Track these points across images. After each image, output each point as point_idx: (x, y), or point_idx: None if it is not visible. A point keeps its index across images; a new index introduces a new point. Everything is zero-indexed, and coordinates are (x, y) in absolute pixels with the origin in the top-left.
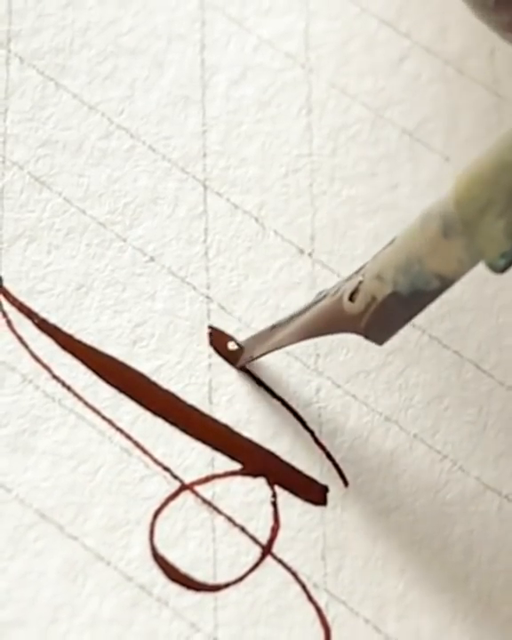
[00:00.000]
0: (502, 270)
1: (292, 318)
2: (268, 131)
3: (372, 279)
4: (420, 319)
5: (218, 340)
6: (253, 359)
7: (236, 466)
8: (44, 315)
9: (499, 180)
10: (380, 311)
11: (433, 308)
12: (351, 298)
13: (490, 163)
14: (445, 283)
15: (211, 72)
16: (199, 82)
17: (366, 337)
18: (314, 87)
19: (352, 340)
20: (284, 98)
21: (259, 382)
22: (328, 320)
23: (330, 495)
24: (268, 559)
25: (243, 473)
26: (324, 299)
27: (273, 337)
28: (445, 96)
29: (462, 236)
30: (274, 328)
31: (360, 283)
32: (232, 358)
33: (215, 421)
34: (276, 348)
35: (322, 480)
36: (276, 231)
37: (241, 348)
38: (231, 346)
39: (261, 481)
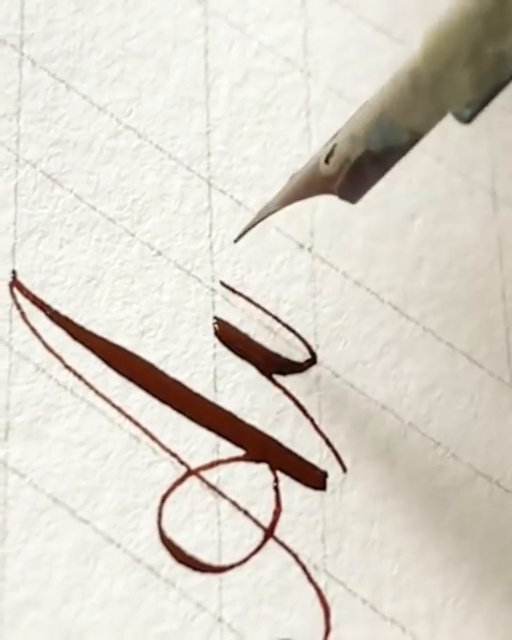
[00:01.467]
0: (468, 120)
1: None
2: (269, 131)
3: (345, 140)
4: (414, 312)
5: (223, 330)
6: (248, 229)
7: (240, 452)
8: (56, 307)
9: (463, 31)
10: (353, 171)
11: (426, 302)
12: (326, 161)
13: (455, 16)
14: (415, 136)
15: (214, 75)
16: (203, 84)
17: (340, 197)
18: (312, 90)
19: (350, 331)
20: (283, 100)
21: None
22: (306, 184)
23: (329, 480)
24: (271, 542)
25: (246, 459)
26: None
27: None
28: None
29: (430, 89)
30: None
31: (334, 146)
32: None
33: (220, 409)
34: (266, 215)
35: (321, 466)
36: (278, 227)
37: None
38: None
39: (264, 466)
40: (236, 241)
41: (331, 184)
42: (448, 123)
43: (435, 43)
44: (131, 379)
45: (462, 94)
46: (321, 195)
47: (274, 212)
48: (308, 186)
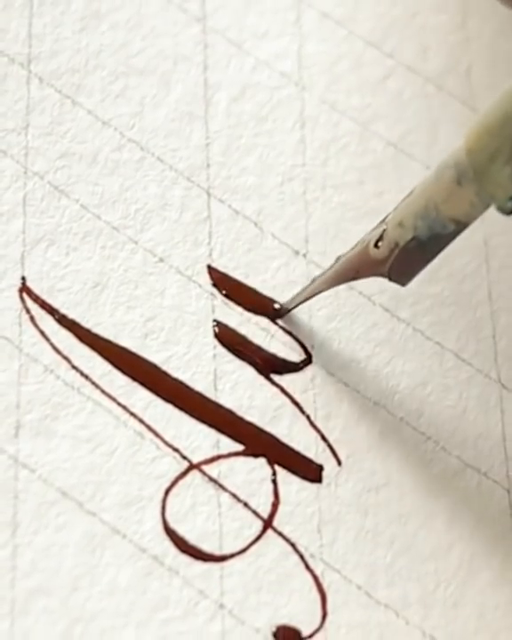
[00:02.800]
0: (510, 212)
1: (326, 271)
2: (266, 143)
3: (394, 227)
4: (404, 313)
5: (222, 332)
6: (295, 306)
7: (240, 447)
8: (63, 311)
9: (504, 130)
10: (402, 255)
11: (416, 303)
12: (376, 245)
13: (496, 115)
14: (460, 226)
15: (213, 90)
16: (202, 99)
17: (390, 279)
18: (306, 103)
19: (344, 332)
20: (279, 113)
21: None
22: (356, 266)
23: (325, 473)
24: (269, 532)
25: (245, 453)
26: (353, 249)
27: (311, 286)
28: (426, 110)
29: (474, 182)
30: (313, 281)
31: (384, 231)
32: (276, 316)
33: (220, 406)
34: (314, 294)
35: (317, 459)
36: (274, 234)
37: (282, 306)
38: (276, 306)
39: (262, 461)
40: (287, 312)
41: (381, 266)
42: (433, 137)
43: (477, 139)
44: (135, 378)
45: (505, 188)
46: (371, 277)
47: (323, 291)
48: (360, 268)
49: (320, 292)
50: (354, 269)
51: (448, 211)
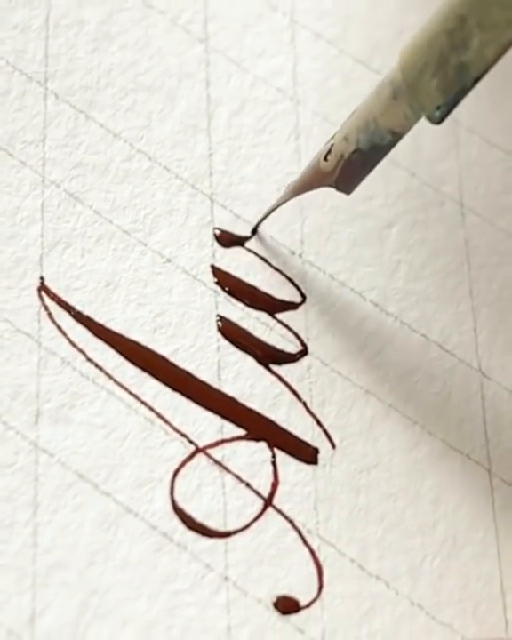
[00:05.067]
0: (438, 121)
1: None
2: (264, 153)
3: (340, 141)
4: (392, 308)
5: (225, 326)
6: (260, 222)
7: (242, 432)
8: (79, 308)
9: (431, 46)
10: (346, 166)
11: (403, 299)
12: (325, 158)
13: (424, 33)
14: (396, 137)
15: (215, 105)
16: (205, 113)
17: (337, 189)
18: (301, 116)
19: (337, 326)
20: (276, 125)
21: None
22: (309, 178)
23: (320, 456)
24: (270, 510)
25: (247, 438)
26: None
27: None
28: None
29: (406, 95)
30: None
31: (332, 145)
32: (246, 240)
33: (223, 394)
34: (276, 207)
35: (313, 443)
36: (271, 236)
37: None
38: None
39: (263, 444)
40: (253, 232)
41: (329, 178)
42: (416, 146)
43: (408, 56)
44: (145, 369)
45: (433, 99)
46: (321, 187)
47: (285, 202)
48: (312, 179)
49: (281, 204)
50: (308, 182)
51: (385, 123)
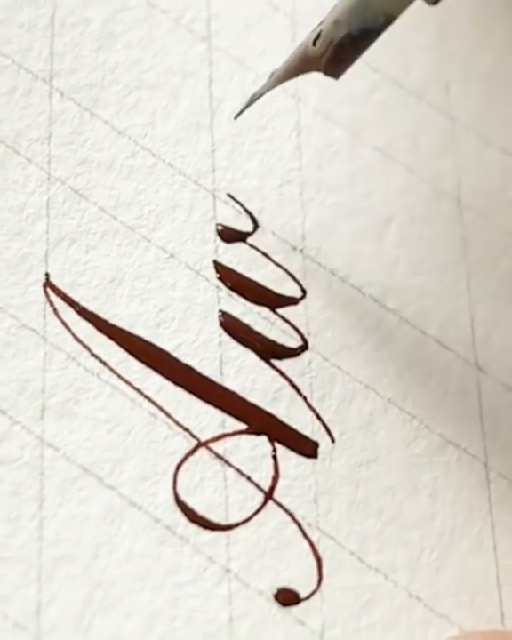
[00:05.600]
0: (434, 2)
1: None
2: (265, 149)
3: (330, 25)
4: (391, 303)
5: (227, 321)
6: (248, 106)
7: (243, 426)
8: (83, 303)
9: None
10: (336, 50)
11: (402, 295)
12: (314, 43)
13: None
14: (388, 19)
15: (217, 102)
16: (208, 110)
17: (325, 73)
18: (302, 114)
19: (337, 321)
20: (277, 122)
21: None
22: (297, 64)
23: (320, 450)
24: (270, 503)
25: (248, 432)
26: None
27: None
28: (409, 120)
29: None
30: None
31: (321, 30)
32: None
33: (225, 389)
34: (261, 94)
35: (313, 437)
36: (273, 232)
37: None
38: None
39: (264, 438)
40: (236, 117)
41: (317, 62)
42: (415, 143)
43: None
44: (149, 364)
45: None
46: (309, 73)
47: (271, 88)
48: (299, 65)
49: (267, 91)
50: (294, 67)
51: (378, 5)
